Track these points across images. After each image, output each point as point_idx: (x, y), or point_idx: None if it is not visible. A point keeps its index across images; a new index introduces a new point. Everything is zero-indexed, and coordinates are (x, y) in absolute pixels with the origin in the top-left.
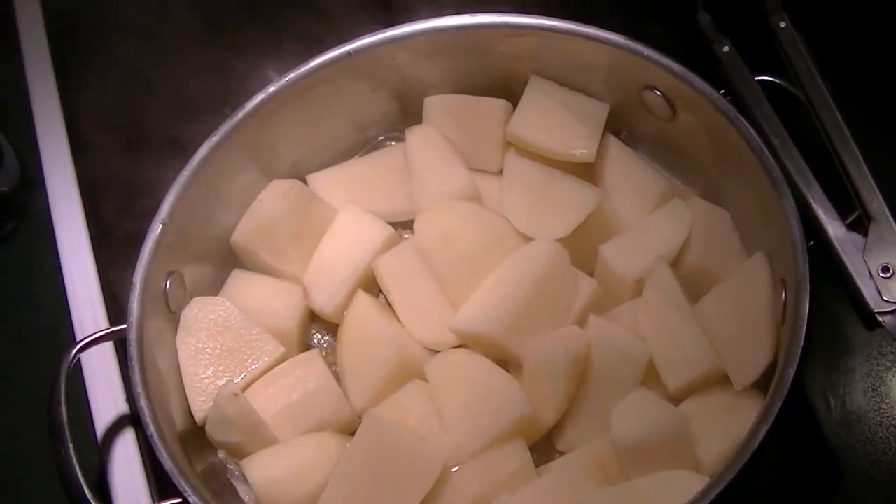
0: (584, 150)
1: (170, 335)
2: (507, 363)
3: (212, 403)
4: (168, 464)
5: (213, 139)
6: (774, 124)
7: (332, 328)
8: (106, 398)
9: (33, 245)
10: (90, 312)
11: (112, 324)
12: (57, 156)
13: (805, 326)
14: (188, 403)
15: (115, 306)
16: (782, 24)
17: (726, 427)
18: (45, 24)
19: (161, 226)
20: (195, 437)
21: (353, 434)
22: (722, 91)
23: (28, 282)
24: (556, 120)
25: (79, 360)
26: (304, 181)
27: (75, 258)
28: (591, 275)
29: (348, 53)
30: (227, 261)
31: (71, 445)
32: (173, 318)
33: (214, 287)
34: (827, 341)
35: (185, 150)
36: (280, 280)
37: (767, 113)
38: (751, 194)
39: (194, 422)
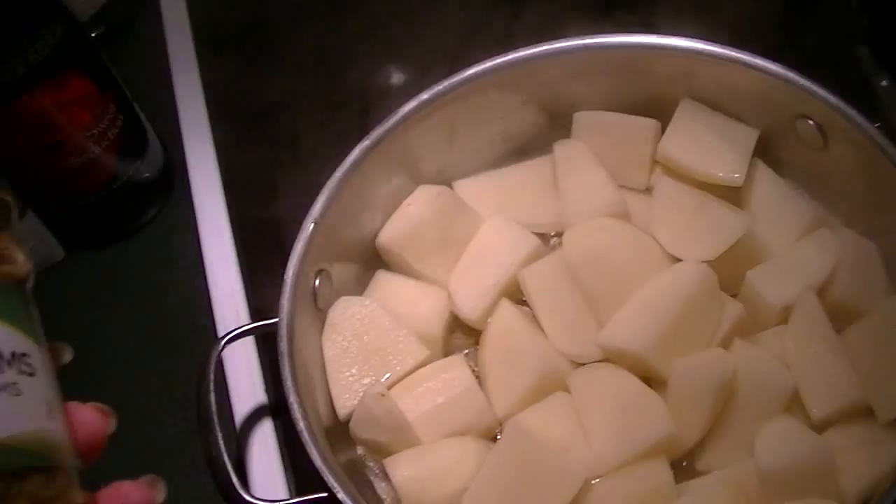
0: (735, 175)
1: (315, 332)
2: (649, 380)
3: (355, 401)
4: (318, 460)
5: (365, 143)
6: None
7: (472, 334)
8: (246, 389)
9: (175, 233)
10: (232, 304)
11: (253, 317)
12: (201, 145)
13: None
14: (331, 399)
15: (256, 300)
16: None
17: (869, 460)
18: (188, 12)
19: (313, 224)
20: (334, 432)
21: (494, 440)
22: (877, 125)
23: (169, 269)
24: (706, 143)
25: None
26: (451, 187)
27: (217, 249)
28: (735, 298)
29: (500, 66)
30: (371, 262)
31: (220, 434)
32: (320, 315)
33: (359, 287)
34: None
35: (329, 151)
36: (425, 284)
37: None
38: None
39: (335, 418)
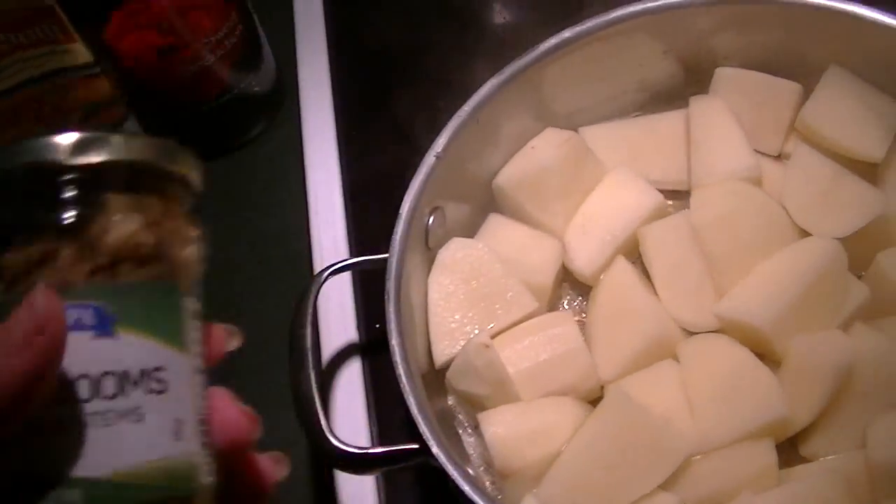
0: (876, 150)
1: (423, 272)
2: (763, 357)
3: (455, 349)
4: (415, 408)
5: (499, 78)
6: None
7: (582, 289)
8: (337, 326)
9: (281, 153)
10: (332, 234)
11: (352, 250)
12: (316, 68)
13: None
14: (429, 345)
15: (357, 233)
16: None
17: None
18: None
19: (435, 159)
20: (427, 379)
21: (594, 403)
22: None
23: (271, 190)
24: (850, 114)
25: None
26: (578, 132)
27: (322, 176)
28: (860, 280)
29: (650, 10)
30: (486, 203)
31: (312, 372)
32: (429, 255)
33: (471, 227)
34: None
35: (452, 87)
36: (539, 232)
37: None
38: None
39: (430, 364)
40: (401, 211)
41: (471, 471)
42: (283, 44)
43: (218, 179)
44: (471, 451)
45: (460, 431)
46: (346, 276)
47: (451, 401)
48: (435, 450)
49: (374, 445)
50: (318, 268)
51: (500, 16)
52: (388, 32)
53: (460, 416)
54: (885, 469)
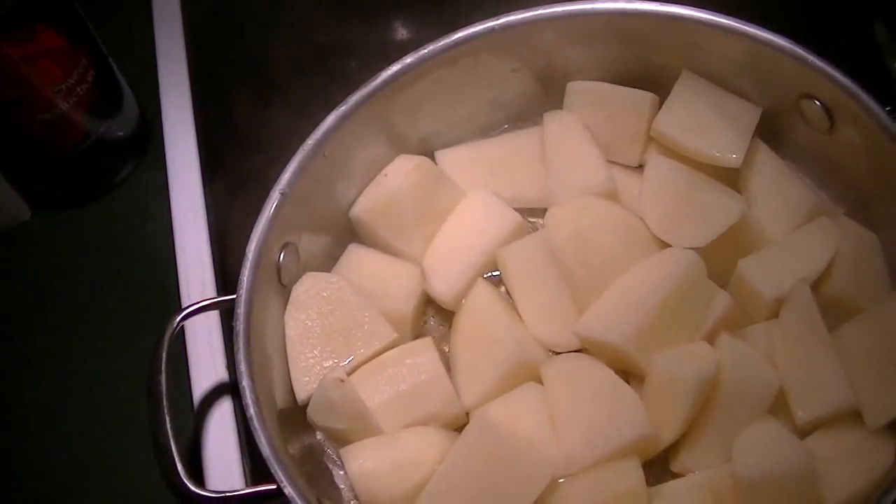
0: (733, 155)
1: (278, 309)
2: (628, 374)
3: (316, 384)
4: (266, 449)
5: (342, 108)
6: None
7: (446, 315)
8: (206, 365)
9: (147, 196)
10: (199, 274)
11: (219, 287)
12: (179, 107)
13: None
14: (291, 381)
15: (227, 272)
16: None
17: (854, 470)
18: None
19: (280, 196)
20: (294, 415)
21: (459, 430)
22: (888, 108)
23: (138, 234)
24: (704, 120)
25: (182, 326)
26: (433, 157)
27: (189, 217)
28: (724, 289)
29: (493, 29)
30: (344, 234)
31: (168, 418)
32: (284, 291)
33: (330, 259)
34: None
35: (315, 111)
36: (399, 260)
37: None
38: None
39: (295, 400)
40: (246, 251)
41: None
42: (146, 85)
43: (85, 226)
44: (342, 484)
45: (331, 466)
46: (214, 316)
47: (319, 436)
48: (288, 490)
49: (246, 485)
50: None
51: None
52: (252, 65)
53: (329, 451)
54: (750, 482)
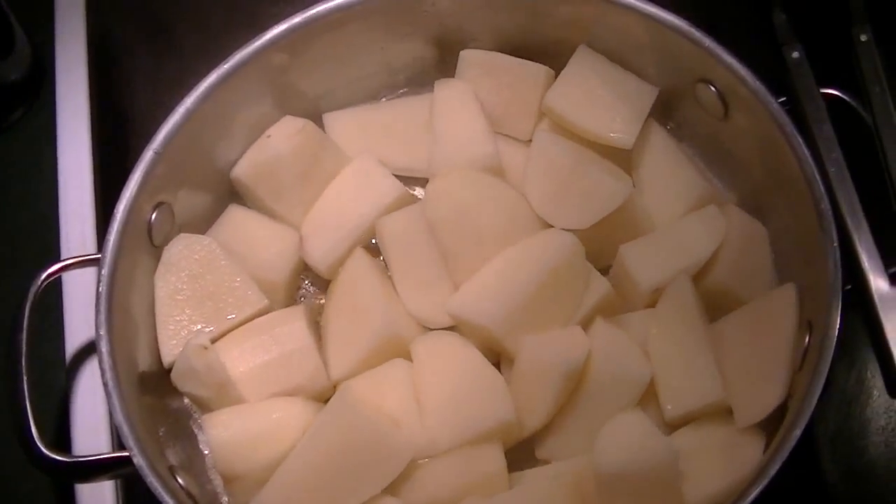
0: (624, 135)
1: (150, 269)
2: (500, 355)
3: (181, 349)
4: (118, 416)
5: (225, 67)
6: (833, 148)
7: (323, 284)
8: (81, 322)
9: (36, 143)
10: (80, 229)
11: (100, 244)
12: (74, 52)
13: (825, 377)
14: (158, 344)
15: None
16: (863, 38)
17: (720, 466)
18: None
19: (154, 154)
20: (163, 377)
21: (325, 403)
22: (782, 100)
23: (23, 181)
24: (598, 97)
25: (60, 277)
26: (321, 119)
27: (74, 168)
28: (605, 273)
29: None
30: (226, 194)
31: (25, 379)
32: (156, 252)
33: (210, 220)
34: (843, 386)
35: (213, 57)
36: (277, 224)
37: (827, 134)
38: (793, 219)
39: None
40: (115, 210)
41: (181, 481)
42: (40, 26)
43: None
44: (206, 450)
45: (197, 431)
46: (93, 272)
47: (187, 400)
48: (137, 460)
49: (112, 450)
50: None
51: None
52: (150, 15)
53: (195, 416)
54: (608, 474)
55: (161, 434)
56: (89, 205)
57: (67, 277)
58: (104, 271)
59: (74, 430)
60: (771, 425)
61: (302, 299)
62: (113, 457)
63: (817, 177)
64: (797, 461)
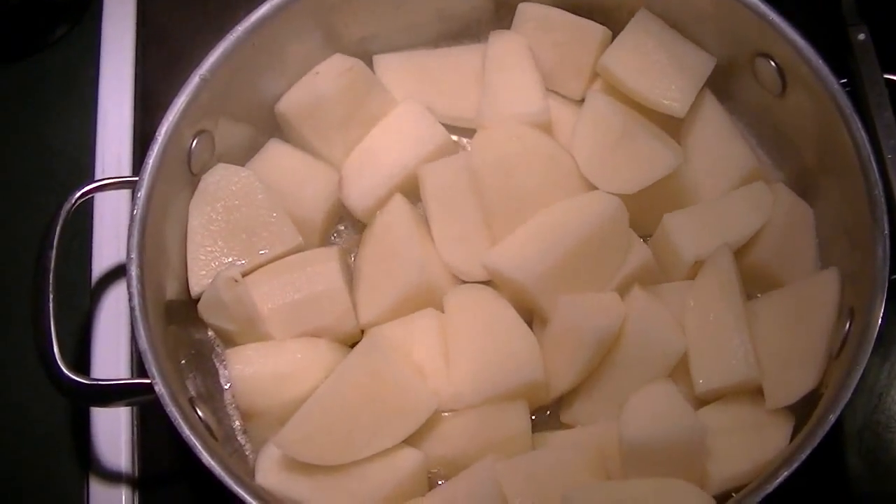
0: (678, 103)
1: (186, 198)
2: (533, 314)
3: (211, 280)
4: (143, 343)
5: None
6: (892, 135)
7: (360, 228)
8: (110, 246)
9: (79, 61)
10: (116, 150)
11: (136, 167)
12: None
13: (863, 368)
14: (187, 273)
15: (143, 153)
16: None
17: (746, 446)
18: None
19: (200, 80)
20: (189, 308)
21: (352, 348)
22: (843, 80)
23: (63, 98)
24: (655, 62)
25: (91, 200)
26: (371, 61)
27: (116, 88)
28: (647, 242)
29: None
30: (268, 128)
31: (52, 298)
32: (194, 180)
33: (248, 153)
34: (877, 377)
35: None
36: (318, 162)
37: (887, 121)
38: (844, 202)
39: (189, 293)
40: (156, 133)
41: (200, 413)
42: None
43: (7, 81)
44: (227, 385)
45: (218, 365)
46: (126, 196)
47: (211, 333)
48: (158, 388)
49: (132, 376)
50: None
51: None
52: None
53: (218, 350)
54: (634, 445)
55: (181, 365)
56: (128, 127)
57: (99, 201)
58: (140, 194)
59: (95, 355)
60: (800, 411)
61: (337, 242)
62: (134, 383)
63: (873, 162)
64: (823, 452)
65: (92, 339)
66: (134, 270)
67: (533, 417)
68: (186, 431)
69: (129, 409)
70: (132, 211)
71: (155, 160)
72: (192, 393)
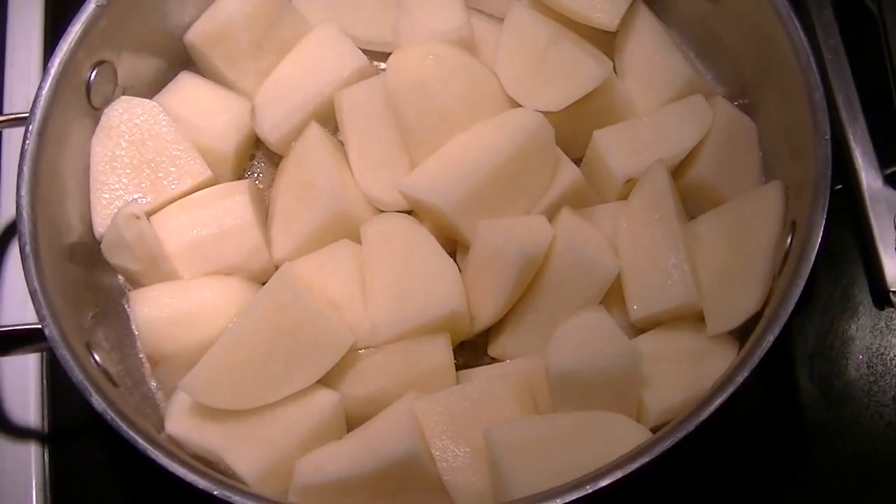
0: (607, 16)
1: (86, 133)
2: (456, 243)
3: None
4: (33, 283)
5: None
6: (832, 36)
7: (278, 160)
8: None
9: None
10: (25, 89)
11: None
12: None
13: (805, 280)
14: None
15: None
16: None
17: (685, 375)
18: None
19: (96, 6)
20: (96, 251)
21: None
22: None
23: None
24: None
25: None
26: None
27: (23, 23)
28: (578, 163)
29: None
30: (178, 61)
31: None
32: (95, 114)
33: (158, 87)
34: (828, 300)
35: None
36: (230, 93)
37: (827, 21)
38: (785, 111)
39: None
40: (49, 64)
41: (97, 357)
42: None
43: None
44: (138, 330)
45: (129, 309)
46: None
47: (121, 278)
48: (48, 331)
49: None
50: None
51: None
52: None
53: (129, 292)
54: (562, 375)
55: (92, 315)
56: (37, 62)
57: (7, 141)
58: (31, 128)
59: (3, 304)
60: (745, 337)
61: (250, 174)
62: (28, 328)
63: (813, 64)
64: (772, 378)
65: None
66: (25, 210)
67: (458, 354)
68: (77, 374)
69: (37, 361)
70: (23, 146)
71: (48, 91)
72: (103, 342)
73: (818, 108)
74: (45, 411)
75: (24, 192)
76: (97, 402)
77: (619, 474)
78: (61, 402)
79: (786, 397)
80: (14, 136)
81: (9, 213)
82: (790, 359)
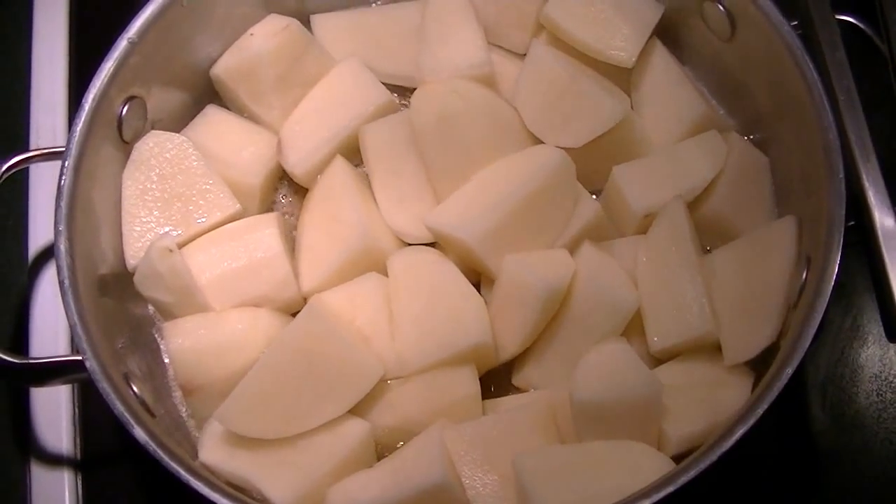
0: (624, 53)
1: (118, 167)
2: (481, 276)
3: None
4: (73, 317)
5: None
6: (845, 76)
7: (303, 194)
8: (45, 221)
9: (11, 27)
10: (51, 120)
11: None
12: None
13: (821, 315)
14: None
15: None
16: None
17: (703, 405)
18: None
19: (128, 43)
20: (126, 282)
21: (294, 316)
22: (794, 23)
23: None
24: (600, 11)
25: (27, 172)
26: (309, 21)
27: (50, 54)
28: (596, 196)
29: None
30: (205, 94)
31: None
32: (126, 148)
33: (186, 120)
34: (838, 330)
35: None
36: (256, 127)
37: (840, 61)
38: (798, 148)
39: (126, 266)
40: (83, 100)
41: (135, 388)
42: None
43: None
44: (168, 360)
45: (160, 339)
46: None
47: (152, 308)
48: (89, 363)
49: (72, 353)
50: None
51: None
52: None
53: (159, 324)
54: (586, 405)
55: (121, 344)
56: (62, 95)
57: (35, 174)
58: (67, 163)
59: (33, 334)
60: (760, 367)
61: (277, 206)
62: (66, 360)
63: (826, 104)
64: (785, 406)
65: (30, 318)
66: (62, 243)
67: (492, 388)
68: (119, 406)
69: (69, 390)
70: (59, 181)
71: (82, 128)
72: (136, 371)
73: (832, 147)
74: (78, 439)
75: (61, 226)
76: (139, 435)
77: (646, 502)
78: (94, 429)
79: (798, 424)
80: (40, 168)
81: (36, 245)
82: (802, 387)
